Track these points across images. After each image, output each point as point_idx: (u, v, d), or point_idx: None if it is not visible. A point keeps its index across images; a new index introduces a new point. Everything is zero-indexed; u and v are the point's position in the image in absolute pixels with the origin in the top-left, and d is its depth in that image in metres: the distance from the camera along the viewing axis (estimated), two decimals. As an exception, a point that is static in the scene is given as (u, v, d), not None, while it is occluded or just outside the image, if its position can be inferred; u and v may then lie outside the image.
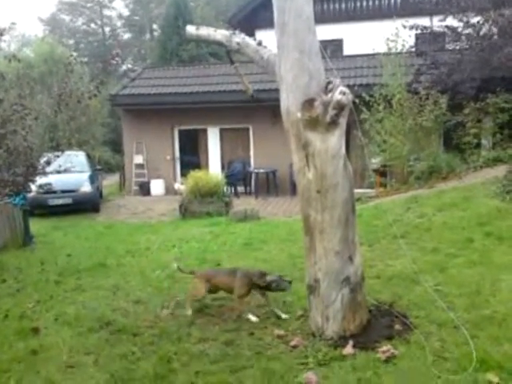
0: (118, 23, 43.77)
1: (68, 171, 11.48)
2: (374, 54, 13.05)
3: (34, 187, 10.08)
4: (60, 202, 12.65)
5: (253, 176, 15.41)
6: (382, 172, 12.71)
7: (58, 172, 9.20)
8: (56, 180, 11.24)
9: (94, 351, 4.14)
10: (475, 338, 3.73)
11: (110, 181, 20.74)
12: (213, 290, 4.99)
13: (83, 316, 4.95)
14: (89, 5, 41.84)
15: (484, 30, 11.96)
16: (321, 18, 14.81)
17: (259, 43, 4.83)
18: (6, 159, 7.76)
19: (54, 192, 12.11)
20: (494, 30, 11.85)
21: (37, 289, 6.07)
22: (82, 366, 3.90)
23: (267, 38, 5.10)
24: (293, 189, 13.48)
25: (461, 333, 3.81)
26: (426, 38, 14.55)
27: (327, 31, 15.53)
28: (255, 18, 18.56)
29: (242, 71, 5.75)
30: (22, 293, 5.96)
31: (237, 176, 15.22)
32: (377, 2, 18.41)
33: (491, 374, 3.25)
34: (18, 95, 8.13)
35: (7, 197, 8.64)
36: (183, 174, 15.27)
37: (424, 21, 13.67)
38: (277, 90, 4.25)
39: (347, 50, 17.89)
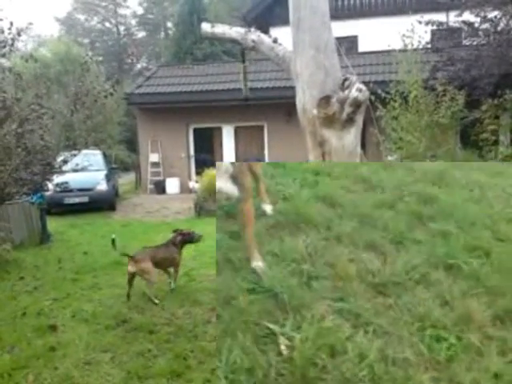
0: (133, 22, 44.09)
1: (84, 170, 11.62)
2: (389, 51, 12.90)
3: (51, 186, 10.22)
4: (76, 200, 12.74)
5: (268, 174, 15.37)
6: (398, 169, 12.56)
7: (75, 171, 9.25)
8: (72, 179, 11.35)
9: (110, 348, 4.18)
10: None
11: (125, 179, 20.89)
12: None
13: (100, 313, 5.01)
14: (103, 4, 42.18)
15: (502, 25, 11.76)
16: (335, 15, 14.70)
17: (274, 40, 4.78)
18: (23, 158, 7.85)
19: (71, 190, 12.22)
20: (513, 24, 11.66)
21: (54, 286, 6.15)
22: (98, 363, 3.94)
23: (282, 36, 5.05)
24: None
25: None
26: (442, 34, 14.38)
27: (342, 28, 15.41)
28: (270, 15, 18.52)
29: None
30: (39, 290, 6.04)
31: (251, 174, 15.19)
32: (392, -2, 18.27)
33: None
34: (35, 95, 8.21)
35: (25, 195, 8.76)
36: (198, 173, 15.33)
37: (440, 16, 13.51)
38: (291, 88, 4.22)
39: (362, 47, 17.76)
